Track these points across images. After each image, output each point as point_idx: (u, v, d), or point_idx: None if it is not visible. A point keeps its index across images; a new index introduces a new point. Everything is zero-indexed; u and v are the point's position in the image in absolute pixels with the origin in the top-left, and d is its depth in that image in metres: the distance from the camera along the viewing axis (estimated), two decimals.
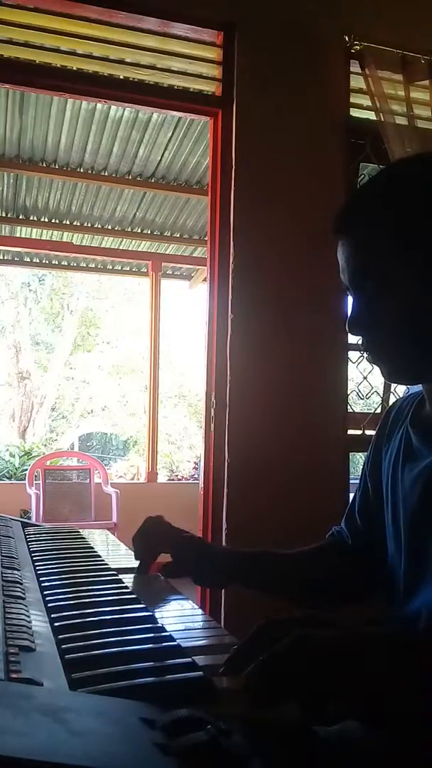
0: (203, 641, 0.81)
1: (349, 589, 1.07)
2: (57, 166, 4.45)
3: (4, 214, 5.17)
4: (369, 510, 1.03)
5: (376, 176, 0.93)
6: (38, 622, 0.73)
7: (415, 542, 0.87)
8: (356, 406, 2.65)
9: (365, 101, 2.45)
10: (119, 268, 6.45)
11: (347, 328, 0.85)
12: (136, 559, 1.08)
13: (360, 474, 1.07)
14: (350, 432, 2.40)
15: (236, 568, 1.06)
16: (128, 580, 1.01)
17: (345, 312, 2.38)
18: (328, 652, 0.61)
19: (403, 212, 0.81)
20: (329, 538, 1.12)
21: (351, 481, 2.40)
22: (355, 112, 2.49)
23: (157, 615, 0.83)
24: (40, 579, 0.93)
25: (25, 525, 1.37)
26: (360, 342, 0.87)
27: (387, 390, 2.66)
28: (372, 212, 0.83)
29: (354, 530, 1.07)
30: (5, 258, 6.17)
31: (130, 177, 4.62)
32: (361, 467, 1.07)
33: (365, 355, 0.87)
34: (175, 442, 11.20)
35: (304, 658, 0.59)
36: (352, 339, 2.42)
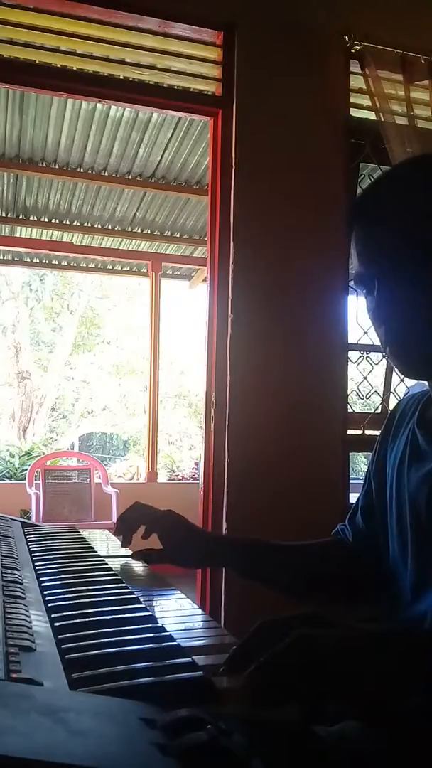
0: (203, 641, 0.81)
1: (347, 587, 1.07)
2: (57, 166, 4.46)
3: (4, 214, 5.17)
4: (372, 511, 1.03)
5: (394, 168, 0.92)
6: (38, 622, 0.73)
7: (422, 543, 0.87)
8: (356, 406, 2.65)
9: (365, 101, 2.45)
10: (119, 268, 6.45)
11: (371, 321, 0.84)
12: (118, 535, 1.16)
13: (364, 474, 1.07)
14: (350, 432, 2.40)
15: (235, 554, 1.07)
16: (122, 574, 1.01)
17: (345, 312, 2.38)
18: (330, 653, 0.61)
19: (421, 203, 0.79)
20: (333, 535, 1.12)
21: (351, 481, 2.40)
22: (355, 112, 2.49)
23: (157, 615, 0.83)
24: (40, 579, 0.93)
25: (25, 525, 1.37)
26: (379, 335, 0.85)
27: (387, 390, 2.66)
28: (390, 202, 0.82)
29: (355, 530, 1.07)
30: (5, 258, 6.17)
31: (130, 177, 4.62)
32: (366, 468, 1.07)
33: (384, 350, 0.85)
34: (175, 443, 11.20)
35: (305, 660, 0.59)
36: (353, 339, 2.42)
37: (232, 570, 1.10)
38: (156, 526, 1.10)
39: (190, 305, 9.59)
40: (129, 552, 1.20)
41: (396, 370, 0.88)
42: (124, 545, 1.17)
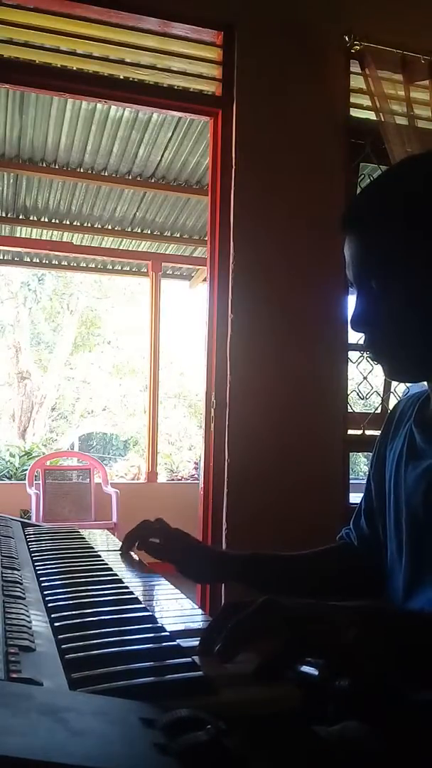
0: None
1: (355, 592, 1.06)
2: (57, 166, 4.46)
3: (4, 214, 5.17)
4: (372, 512, 1.03)
5: (385, 173, 0.92)
6: (38, 622, 0.73)
7: (417, 541, 0.87)
8: (356, 406, 2.65)
9: (365, 101, 2.45)
10: (119, 268, 6.45)
11: (350, 325, 0.85)
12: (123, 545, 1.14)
13: (366, 476, 1.07)
14: (350, 432, 2.40)
15: (241, 567, 1.07)
16: (127, 578, 1.02)
17: (345, 312, 2.38)
18: (294, 613, 0.65)
19: (409, 210, 0.80)
20: (339, 540, 1.12)
21: (351, 482, 2.41)
22: (355, 112, 2.49)
23: (156, 615, 0.83)
24: (40, 579, 0.93)
25: (25, 525, 1.37)
26: (362, 339, 0.86)
27: (387, 390, 2.66)
28: (379, 209, 0.83)
29: (359, 533, 1.07)
30: (5, 258, 6.17)
31: (130, 177, 4.62)
32: (367, 469, 1.07)
33: (368, 352, 0.87)
34: (175, 443, 11.19)
35: (270, 616, 0.64)
36: (353, 339, 2.42)
37: (239, 584, 1.09)
38: (159, 534, 1.09)
39: (190, 305, 9.59)
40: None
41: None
42: (122, 552, 1.14)
